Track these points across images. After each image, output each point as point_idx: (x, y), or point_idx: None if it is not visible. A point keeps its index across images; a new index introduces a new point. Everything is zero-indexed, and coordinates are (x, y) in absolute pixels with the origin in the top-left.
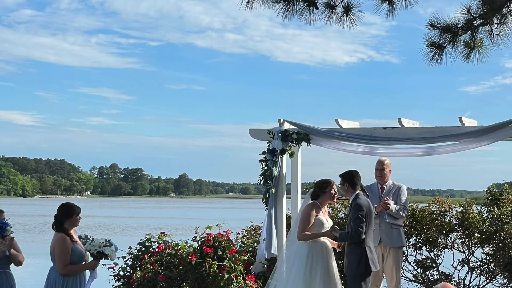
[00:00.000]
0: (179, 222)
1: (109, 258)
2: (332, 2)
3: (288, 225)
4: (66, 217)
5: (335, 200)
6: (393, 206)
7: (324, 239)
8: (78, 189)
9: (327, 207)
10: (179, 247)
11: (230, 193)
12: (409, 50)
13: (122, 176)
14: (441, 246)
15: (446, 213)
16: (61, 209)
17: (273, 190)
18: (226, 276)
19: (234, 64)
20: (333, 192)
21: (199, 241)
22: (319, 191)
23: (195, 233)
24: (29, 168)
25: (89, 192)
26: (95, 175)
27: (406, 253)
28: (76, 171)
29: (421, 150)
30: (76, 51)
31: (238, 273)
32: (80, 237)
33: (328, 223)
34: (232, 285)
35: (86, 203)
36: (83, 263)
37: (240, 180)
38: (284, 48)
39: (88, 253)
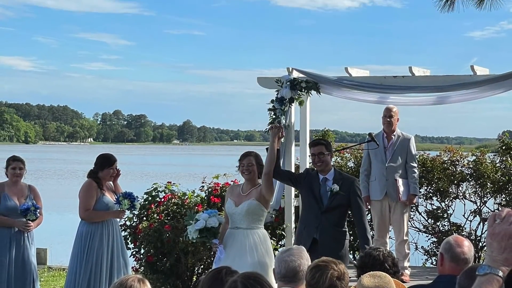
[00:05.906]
0: (185, 170)
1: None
2: None
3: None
4: (99, 168)
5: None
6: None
7: None
8: (81, 135)
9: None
10: (186, 196)
11: (234, 140)
12: None
13: (125, 122)
14: (452, 196)
15: (457, 163)
16: (96, 159)
17: (282, 140)
18: None
19: (234, 9)
20: None
21: (206, 191)
22: None
23: (202, 182)
24: (32, 115)
25: (92, 139)
26: (98, 122)
27: (416, 203)
28: (79, 117)
29: (432, 99)
30: None
31: None
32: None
33: None
34: None
35: (89, 149)
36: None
37: (244, 127)
38: None
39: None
